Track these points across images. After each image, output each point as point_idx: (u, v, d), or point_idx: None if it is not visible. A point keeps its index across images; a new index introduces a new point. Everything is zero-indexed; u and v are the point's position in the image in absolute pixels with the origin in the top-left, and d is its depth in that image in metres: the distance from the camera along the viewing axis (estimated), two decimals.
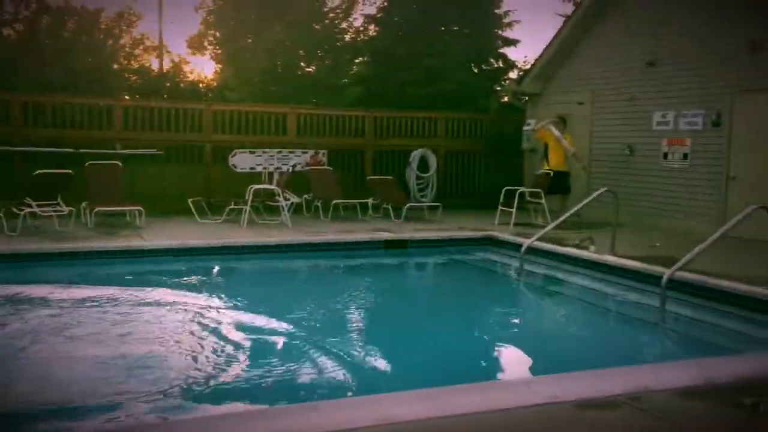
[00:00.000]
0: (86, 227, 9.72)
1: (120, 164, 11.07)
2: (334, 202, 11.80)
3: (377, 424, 3.13)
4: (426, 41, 16.87)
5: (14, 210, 9.21)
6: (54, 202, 9.44)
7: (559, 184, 11.83)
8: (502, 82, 18.25)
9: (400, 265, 9.66)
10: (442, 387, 3.69)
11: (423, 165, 13.96)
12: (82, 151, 11.39)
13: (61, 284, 7.30)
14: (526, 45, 43.37)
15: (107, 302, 6.58)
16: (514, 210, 11.26)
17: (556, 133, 11.87)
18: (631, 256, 8.13)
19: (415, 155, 13.88)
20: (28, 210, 9.20)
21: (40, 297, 6.68)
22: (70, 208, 9.48)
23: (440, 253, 9.94)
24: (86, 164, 10.63)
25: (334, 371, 4.79)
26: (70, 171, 9.84)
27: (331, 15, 19.12)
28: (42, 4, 17.83)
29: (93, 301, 6.58)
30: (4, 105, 11.57)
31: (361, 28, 19.35)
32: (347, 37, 19.37)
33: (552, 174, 11.77)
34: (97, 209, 9.89)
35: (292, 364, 4.97)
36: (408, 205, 12.17)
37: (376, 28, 18.54)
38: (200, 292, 7.37)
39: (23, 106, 11.67)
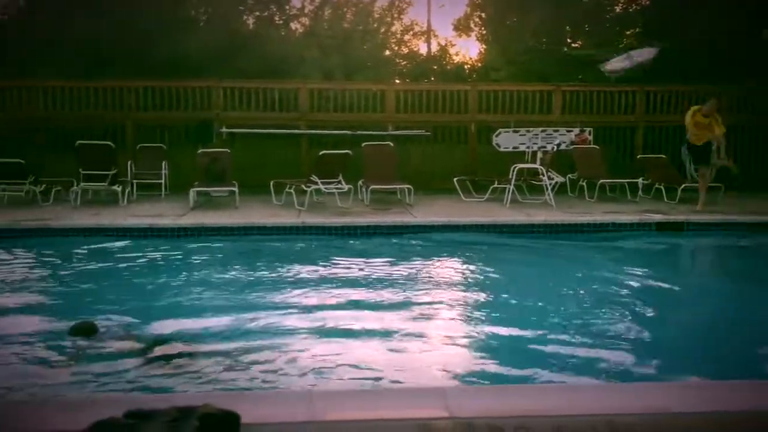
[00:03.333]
0: (363, 203, 10.51)
1: (392, 144, 11.77)
2: (600, 181, 11.36)
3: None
4: (706, 5, 15.35)
5: (303, 187, 10.24)
6: (336, 180, 10.32)
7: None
8: None
9: (676, 250, 8.99)
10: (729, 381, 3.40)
11: None
12: (358, 132, 12.30)
13: (341, 255, 7.99)
14: None
15: (382, 273, 7.07)
16: None
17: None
18: None
19: None
20: (314, 187, 10.17)
21: (326, 265, 7.40)
22: (349, 185, 10.31)
23: (724, 238, 9.05)
24: (362, 145, 11.46)
25: (624, 354, 4.65)
26: (349, 151, 10.70)
27: None
28: None
29: (372, 271, 7.12)
30: (293, 93, 12.87)
31: None
32: (617, 9, 18.35)
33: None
34: (372, 187, 10.63)
35: (567, 344, 4.89)
36: (683, 185, 11.29)
37: None
38: (466, 267, 7.59)
39: (309, 94, 12.87)
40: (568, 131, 12.54)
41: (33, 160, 11.16)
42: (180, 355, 4.53)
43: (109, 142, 11.05)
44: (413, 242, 8.72)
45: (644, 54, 12.60)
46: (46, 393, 3.91)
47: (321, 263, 7.51)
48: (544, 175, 10.88)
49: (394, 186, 10.99)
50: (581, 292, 6.54)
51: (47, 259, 7.71)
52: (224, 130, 12.32)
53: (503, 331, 5.13)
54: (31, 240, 8.35)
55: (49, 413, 2.97)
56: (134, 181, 11.12)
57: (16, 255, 7.74)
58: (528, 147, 12.29)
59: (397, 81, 16.67)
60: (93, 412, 2.81)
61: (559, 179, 11.55)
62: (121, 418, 2.65)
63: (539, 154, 11.95)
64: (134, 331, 4.97)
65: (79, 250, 8.13)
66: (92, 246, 8.31)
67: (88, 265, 7.49)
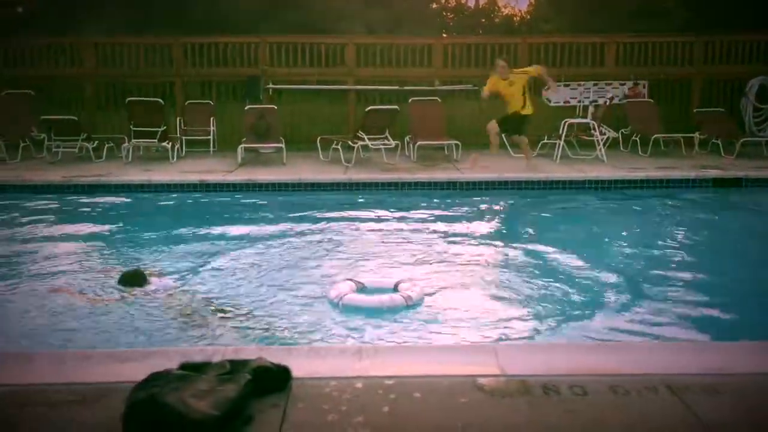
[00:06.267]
0: (410, 159, 10.44)
1: (439, 100, 11.61)
2: (654, 136, 11.04)
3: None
4: None
5: (349, 143, 10.21)
6: (383, 136, 10.25)
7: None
8: None
9: (733, 206, 8.69)
10: None
11: (763, 95, 12.29)
12: (406, 88, 12.15)
13: (387, 211, 7.99)
14: None
15: (429, 229, 7.04)
16: None
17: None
18: None
19: (753, 84, 12.26)
20: (361, 143, 10.13)
21: (374, 219, 7.41)
22: (396, 141, 10.23)
23: None
24: (409, 100, 11.33)
25: (682, 313, 4.57)
26: (396, 107, 10.59)
27: None
28: None
29: (418, 227, 7.10)
30: (340, 49, 12.73)
31: None
32: None
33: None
34: (419, 142, 10.54)
35: (620, 301, 4.80)
36: (742, 140, 10.89)
37: None
38: (517, 223, 7.51)
39: (356, 49, 12.72)
40: (621, 84, 12.20)
41: (84, 117, 11.41)
42: (228, 308, 4.60)
43: (158, 99, 11.17)
44: (461, 198, 8.63)
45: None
46: (99, 344, 4.01)
47: (367, 219, 7.52)
48: (595, 130, 10.62)
49: (442, 142, 10.87)
50: (635, 248, 6.40)
51: (101, 213, 7.89)
52: (271, 86, 12.30)
53: (554, 287, 5.06)
54: (85, 195, 8.56)
55: (106, 364, 3.06)
56: (183, 137, 11.26)
57: (71, 210, 7.95)
58: (579, 101, 12.00)
59: (444, 35, 16.37)
60: (149, 363, 2.89)
61: (612, 134, 11.26)
62: (176, 370, 2.72)
63: (590, 109, 11.65)
64: (184, 284, 5.06)
65: (131, 205, 8.31)
66: (144, 201, 8.48)
67: (140, 220, 7.65)
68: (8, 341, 4.06)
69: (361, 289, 4.79)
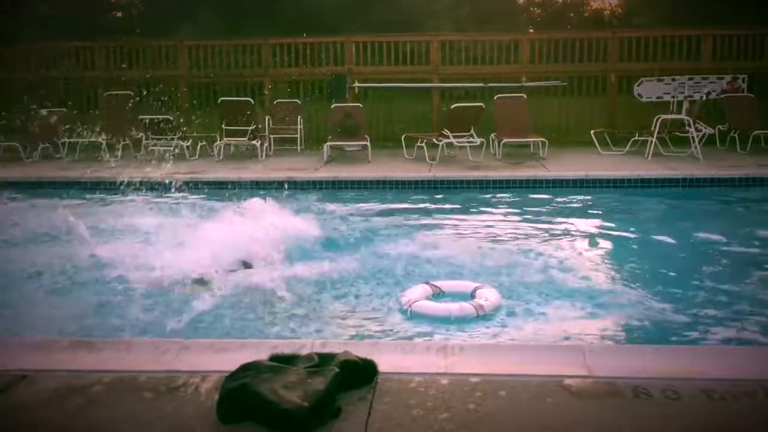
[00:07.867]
0: (494, 157, 10.34)
1: (525, 97, 11.43)
2: (753, 133, 10.52)
3: None
4: None
5: (434, 141, 10.20)
6: (468, 133, 10.19)
7: None
8: None
9: None
10: None
11: None
12: (491, 85, 12.03)
13: (472, 209, 7.94)
14: None
15: (515, 227, 6.96)
16: None
17: None
18: None
19: None
20: (446, 141, 10.11)
21: (458, 218, 7.39)
22: (481, 139, 10.16)
23: None
24: (495, 97, 11.22)
25: None
26: (482, 104, 10.51)
27: None
28: None
29: (504, 225, 7.03)
30: (425, 46, 12.74)
31: None
32: None
33: None
34: (504, 140, 10.42)
35: (716, 306, 4.60)
36: None
37: None
38: (605, 223, 7.31)
39: (441, 46, 12.69)
40: (719, 79, 11.68)
41: (179, 117, 11.89)
42: (313, 302, 4.69)
43: (248, 99, 11.50)
44: (547, 197, 8.48)
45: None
46: (188, 334, 4.16)
47: (451, 218, 7.50)
48: (690, 127, 10.21)
49: (527, 139, 10.72)
50: (732, 251, 6.11)
51: (191, 208, 8.17)
52: (357, 85, 12.44)
53: (642, 288, 4.91)
54: (179, 192, 8.88)
55: (200, 354, 3.19)
56: (272, 135, 11.55)
57: (165, 205, 8.27)
58: (673, 96, 11.56)
59: (531, 30, 16.10)
60: (240, 354, 3.00)
61: (708, 131, 10.80)
62: (266, 361, 2.81)
63: (685, 104, 11.21)
64: (268, 278, 5.16)
65: (223, 201, 8.58)
66: (235, 197, 8.73)
67: (229, 215, 7.87)
68: (109, 329, 4.29)
69: (438, 294, 4.73)
